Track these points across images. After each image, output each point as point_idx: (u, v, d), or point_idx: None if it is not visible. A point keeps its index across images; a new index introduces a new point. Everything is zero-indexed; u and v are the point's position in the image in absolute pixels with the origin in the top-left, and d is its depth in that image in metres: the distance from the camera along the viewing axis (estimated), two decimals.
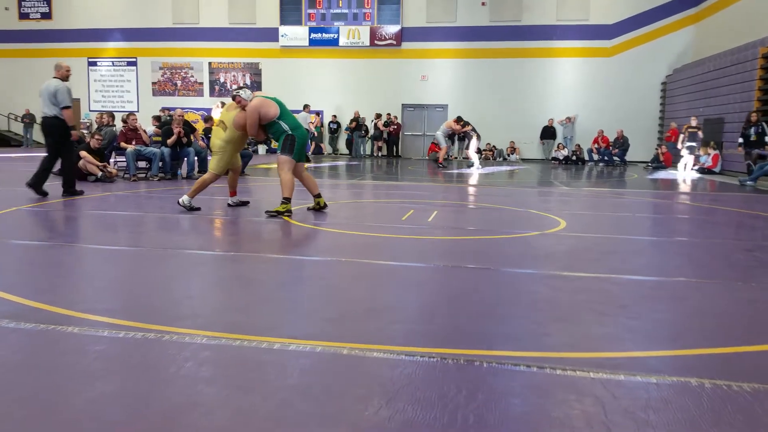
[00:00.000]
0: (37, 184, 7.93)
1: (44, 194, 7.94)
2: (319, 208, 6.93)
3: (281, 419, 1.98)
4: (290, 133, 6.55)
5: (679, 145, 16.35)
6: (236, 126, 6.64)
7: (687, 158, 15.98)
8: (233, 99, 6.70)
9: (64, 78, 7.92)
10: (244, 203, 7.37)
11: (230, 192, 7.32)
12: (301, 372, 2.36)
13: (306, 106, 19.16)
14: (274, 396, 2.13)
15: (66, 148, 8.07)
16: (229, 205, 7.26)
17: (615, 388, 2.23)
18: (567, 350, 2.65)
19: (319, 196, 6.94)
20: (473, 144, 16.84)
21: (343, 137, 22.80)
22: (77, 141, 8.32)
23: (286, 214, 6.49)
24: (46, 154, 8.05)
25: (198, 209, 6.81)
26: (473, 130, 16.77)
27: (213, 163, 6.86)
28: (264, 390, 2.18)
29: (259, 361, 2.45)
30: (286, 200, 6.54)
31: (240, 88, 6.71)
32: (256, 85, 23.13)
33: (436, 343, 2.71)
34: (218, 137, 6.79)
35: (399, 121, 22.36)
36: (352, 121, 21.94)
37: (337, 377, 2.33)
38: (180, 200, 6.85)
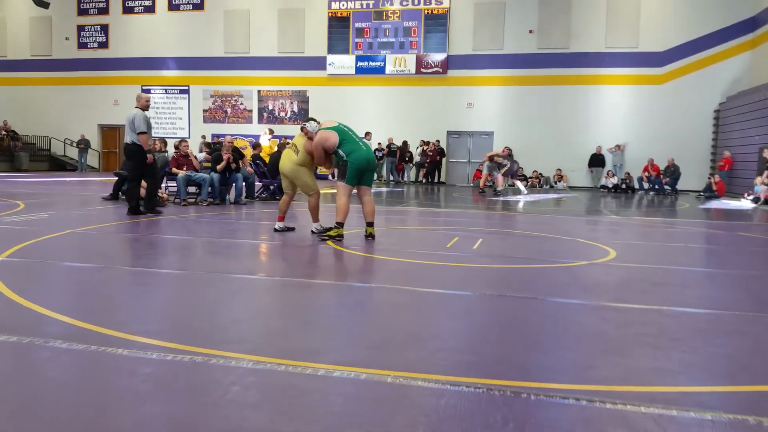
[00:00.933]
0: (148, 206, 8.96)
1: (157, 212, 9.00)
2: (366, 235, 6.95)
3: None
4: (345, 159, 6.68)
5: (766, 179, 15.34)
6: (306, 151, 7.01)
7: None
8: (301, 129, 7.06)
9: (144, 108, 8.81)
10: (290, 229, 7.46)
11: (279, 217, 7.42)
12: (345, 399, 2.35)
13: (367, 134, 19.49)
14: (318, 423, 2.13)
15: (148, 172, 8.92)
16: (275, 230, 7.36)
17: (667, 424, 2.15)
18: (617, 383, 2.56)
19: (370, 225, 6.90)
20: (510, 172, 17.17)
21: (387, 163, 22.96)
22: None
23: (337, 238, 6.62)
24: (131, 179, 8.93)
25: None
26: (506, 157, 17.02)
27: (303, 188, 7.16)
28: (308, 416, 2.19)
29: (304, 388, 2.46)
30: (339, 225, 6.68)
31: (308, 120, 6.98)
32: (303, 113, 23.60)
33: (482, 373, 2.66)
34: (290, 160, 7.13)
35: (442, 146, 22.35)
36: (387, 146, 22.21)
37: (381, 406, 2.31)
38: (312, 230, 7.20)
